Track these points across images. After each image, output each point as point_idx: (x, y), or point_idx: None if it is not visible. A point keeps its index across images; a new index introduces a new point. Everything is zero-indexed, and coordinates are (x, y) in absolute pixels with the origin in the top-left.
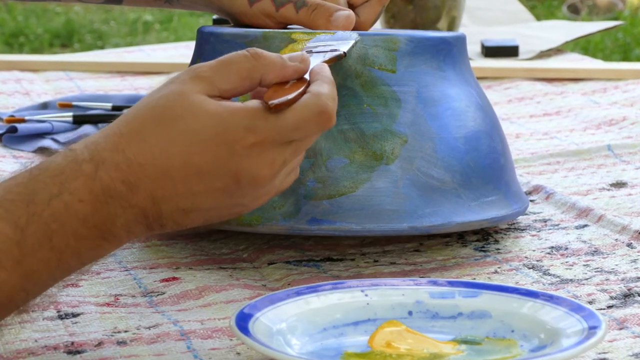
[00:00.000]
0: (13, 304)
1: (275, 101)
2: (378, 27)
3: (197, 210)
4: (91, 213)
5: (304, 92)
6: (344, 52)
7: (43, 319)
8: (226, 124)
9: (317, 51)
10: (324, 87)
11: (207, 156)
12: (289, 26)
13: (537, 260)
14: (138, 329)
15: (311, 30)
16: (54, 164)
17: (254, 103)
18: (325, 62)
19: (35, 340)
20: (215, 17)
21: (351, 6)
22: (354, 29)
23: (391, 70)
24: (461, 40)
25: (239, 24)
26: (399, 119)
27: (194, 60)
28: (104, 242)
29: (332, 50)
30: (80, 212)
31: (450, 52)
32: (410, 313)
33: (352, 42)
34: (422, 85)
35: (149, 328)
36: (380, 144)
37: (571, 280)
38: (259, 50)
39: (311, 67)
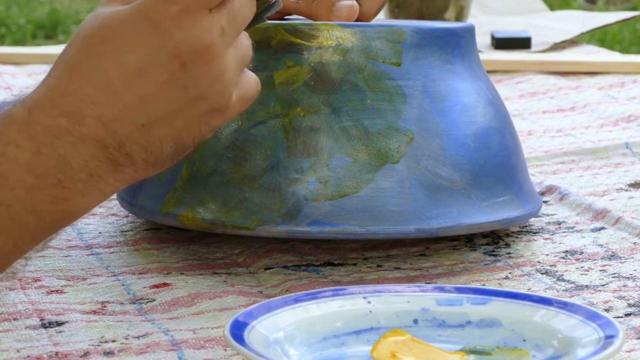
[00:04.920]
0: None
1: None
2: (382, 17)
3: (158, 122)
4: (35, 158)
5: None
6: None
7: (25, 328)
8: (144, 6)
9: None
10: None
11: (139, 47)
12: (288, 17)
13: (551, 265)
14: (126, 339)
15: (312, 22)
16: None
17: None
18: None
19: (17, 351)
20: None
21: None
22: (356, 20)
23: (396, 64)
24: (470, 31)
25: None
26: (404, 115)
27: None
28: (63, 191)
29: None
30: (21, 159)
31: (459, 44)
32: (415, 321)
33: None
34: (429, 80)
35: (138, 337)
36: (385, 142)
37: (587, 286)
38: None
39: None
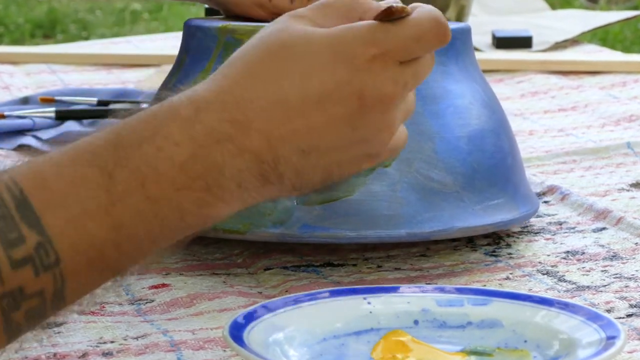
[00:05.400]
0: (105, 263)
1: (397, 6)
2: None
3: (318, 152)
4: (191, 159)
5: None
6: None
7: None
8: (343, 40)
9: None
10: (429, 6)
11: (327, 78)
12: None
13: (552, 266)
14: (125, 339)
15: None
16: (147, 110)
17: (369, 21)
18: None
19: (15, 352)
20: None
21: None
22: None
23: None
24: (465, 32)
25: (230, 14)
26: None
27: (180, 58)
28: (210, 196)
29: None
30: (177, 157)
31: (453, 44)
32: (416, 322)
33: None
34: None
35: (136, 338)
36: None
37: (588, 287)
38: None
39: None
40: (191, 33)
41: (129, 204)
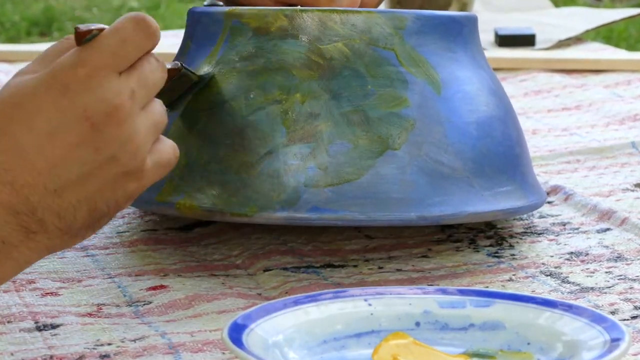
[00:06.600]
0: None
1: (82, 26)
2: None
3: (70, 187)
4: None
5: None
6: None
7: (20, 331)
8: (53, 72)
9: None
10: (133, 12)
11: (51, 112)
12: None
13: (555, 267)
14: (123, 342)
15: (312, 8)
16: None
17: (68, 43)
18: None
19: (12, 354)
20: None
21: None
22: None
23: (397, 50)
24: (472, 20)
25: (233, 3)
26: (405, 102)
27: (184, 44)
28: None
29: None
30: None
31: (461, 32)
32: (417, 324)
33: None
34: (431, 66)
35: (134, 340)
36: (386, 128)
37: (592, 288)
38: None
39: None
40: (196, 19)
41: None
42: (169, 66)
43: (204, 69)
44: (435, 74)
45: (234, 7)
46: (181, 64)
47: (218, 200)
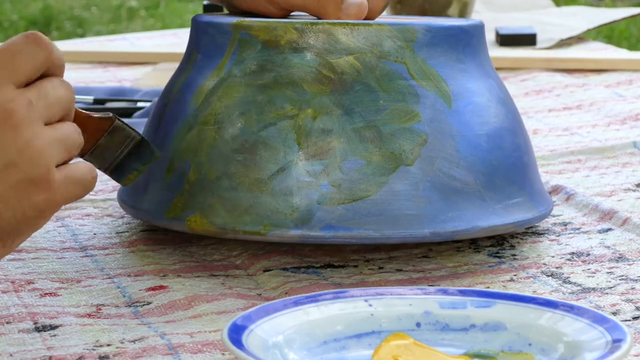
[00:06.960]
0: None
1: None
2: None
3: None
4: None
5: None
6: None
7: (19, 332)
8: None
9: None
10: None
11: None
12: (294, 14)
13: (557, 267)
14: (122, 342)
15: (318, 20)
16: None
17: None
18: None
19: (10, 355)
20: (205, 2)
21: None
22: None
23: (408, 63)
24: (480, 29)
25: (234, 10)
26: (417, 116)
27: (190, 54)
28: None
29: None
30: None
31: (470, 42)
32: (418, 325)
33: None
34: (442, 79)
35: (133, 341)
36: (399, 144)
37: (593, 289)
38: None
39: None
40: (202, 29)
41: None
42: (98, 115)
43: (212, 81)
44: (446, 87)
45: (241, 19)
46: (115, 116)
47: (230, 218)
